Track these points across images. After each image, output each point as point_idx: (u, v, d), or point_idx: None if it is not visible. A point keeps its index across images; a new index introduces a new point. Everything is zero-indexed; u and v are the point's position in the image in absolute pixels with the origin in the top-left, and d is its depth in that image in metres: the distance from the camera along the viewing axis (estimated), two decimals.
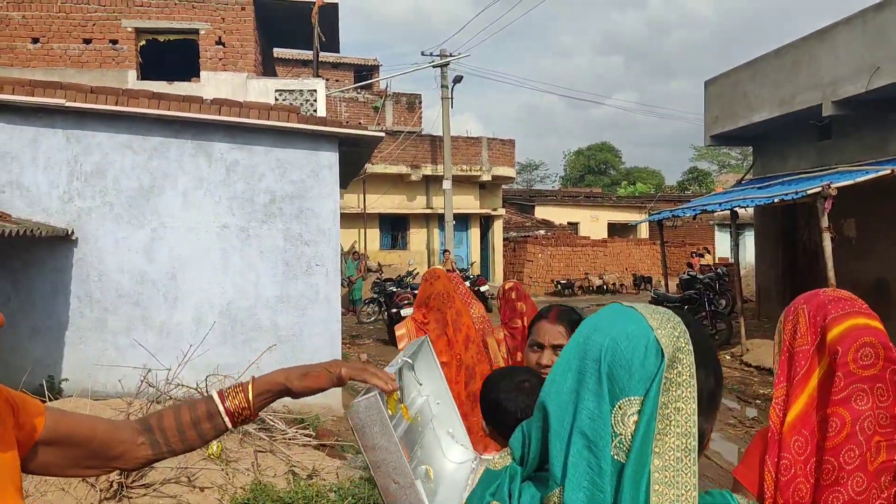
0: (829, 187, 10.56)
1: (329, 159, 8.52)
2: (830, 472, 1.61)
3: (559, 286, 28.45)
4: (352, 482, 5.73)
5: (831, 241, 10.69)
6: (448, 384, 5.28)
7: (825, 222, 10.67)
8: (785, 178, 14.37)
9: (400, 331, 5.51)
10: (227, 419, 1.60)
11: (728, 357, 13.59)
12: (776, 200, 11.72)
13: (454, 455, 1.72)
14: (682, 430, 1.08)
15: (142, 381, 6.38)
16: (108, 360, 8.02)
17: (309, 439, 6.94)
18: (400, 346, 5.60)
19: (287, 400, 6.78)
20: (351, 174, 13.05)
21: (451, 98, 25.23)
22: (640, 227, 38.65)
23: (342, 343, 15.44)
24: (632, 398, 1.08)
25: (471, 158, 27.40)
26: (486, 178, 27.65)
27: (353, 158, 10.42)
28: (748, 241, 37.39)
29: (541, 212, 36.92)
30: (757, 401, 10.21)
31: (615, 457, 1.07)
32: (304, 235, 8.39)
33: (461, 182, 26.87)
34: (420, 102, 28.89)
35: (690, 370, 1.09)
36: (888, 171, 11.14)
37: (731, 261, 18.28)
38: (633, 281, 30.35)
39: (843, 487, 1.58)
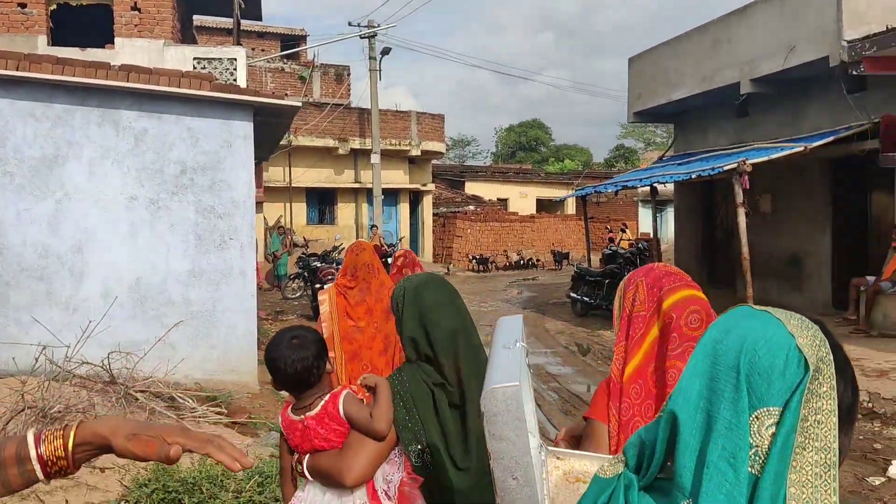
0: (745, 164, 10.77)
1: (243, 129, 8.27)
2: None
3: (474, 261, 28.57)
4: (261, 460, 5.60)
5: (746, 217, 10.93)
6: (361, 349, 5.38)
7: (740, 198, 10.89)
8: (704, 155, 14.64)
9: (322, 296, 5.69)
10: (38, 467, 1.32)
11: None
12: (693, 176, 11.93)
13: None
14: (821, 444, 1.04)
15: (36, 359, 6.11)
16: (10, 336, 7.67)
17: (220, 417, 6.78)
18: (322, 310, 5.64)
19: (199, 376, 6.58)
20: (271, 146, 12.76)
21: (380, 70, 24.94)
22: (567, 203, 39.10)
23: (266, 319, 15.22)
24: (769, 409, 1.04)
25: (400, 132, 27.19)
26: (415, 152, 27.49)
27: (272, 129, 10.18)
28: (669, 216, 38.33)
29: (471, 187, 36.98)
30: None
31: (750, 470, 1.04)
32: (218, 208, 8.15)
33: (390, 156, 26.66)
34: (349, 74, 28.51)
35: (831, 381, 1.05)
36: (801, 148, 11.42)
37: (652, 236, 18.61)
38: (553, 257, 30.59)
39: None
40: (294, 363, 2.44)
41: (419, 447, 2.45)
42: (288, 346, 2.47)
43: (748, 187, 10.84)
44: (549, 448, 1.67)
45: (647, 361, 2.00)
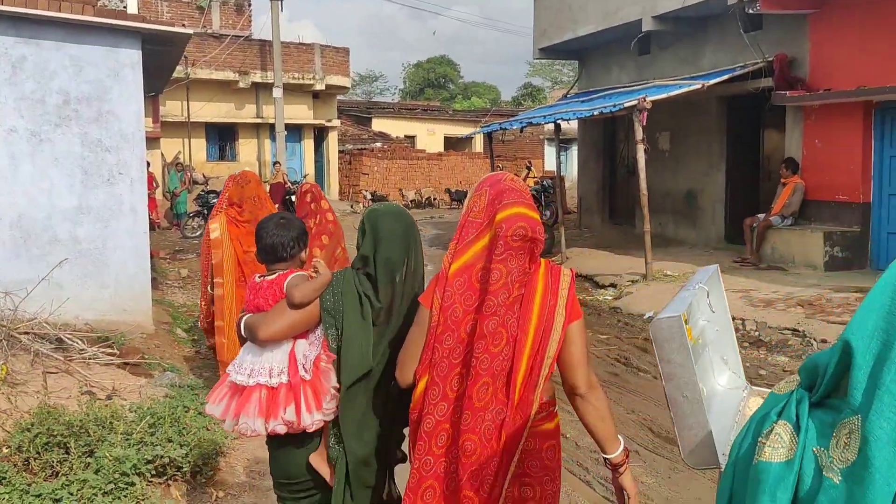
0: (645, 101, 10.91)
1: (131, 57, 7.81)
2: (491, 306, 2.31)
3: (372, 199, 27.84)
4: (154, 401, 5.45)
5: (645, 154, 11.12)
6: (253, 274, 5.49)
7: (640, 134, 11.06)
8: (607, 92, 14.78)
9: (213, 223, 5.84)
10: None
11: None
12: (595, 113, 12.03)
13: (723, 380, 1.91)
14: None
15: None
16: None
17: (112, 358, 6.55)
18: (213, 237, 5.80)
19: (90, 317, 6.35)
20: (164, 77, 12.20)
21: (281, 1, 24.06)
22: (475, 141, 39.19)
23: (165, 259, 14.75)
24: None
25: (303, 66, 26.46)
26: (319, 87, 26.84)
27: (164, 59, 9.69)
28: (573, 155, 38.85)
29: (378, 124, 36.48)
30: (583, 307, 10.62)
31: None
32: (105, 141, 7.72)
33: (293, 91, 25.95)
34: (249, 4, 27.39)
35: None
36: (699, 86, 11.64)
37: (557, 174, 18.80)
38: (450, 196, 30.17)
39: (496, 316, 2.30)
40: (272, 236, 2.98)
41: (335, 332, 2.74)
42: (274, 223, 3.03)
43: (646, 124, 11.00)
44: (753, 388, 1.92)
45: (476, 261, 2.36)
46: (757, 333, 8.27)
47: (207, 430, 5.17)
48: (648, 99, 10.94)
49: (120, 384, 5.96)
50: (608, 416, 2.37)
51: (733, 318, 8.94)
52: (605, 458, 2.39)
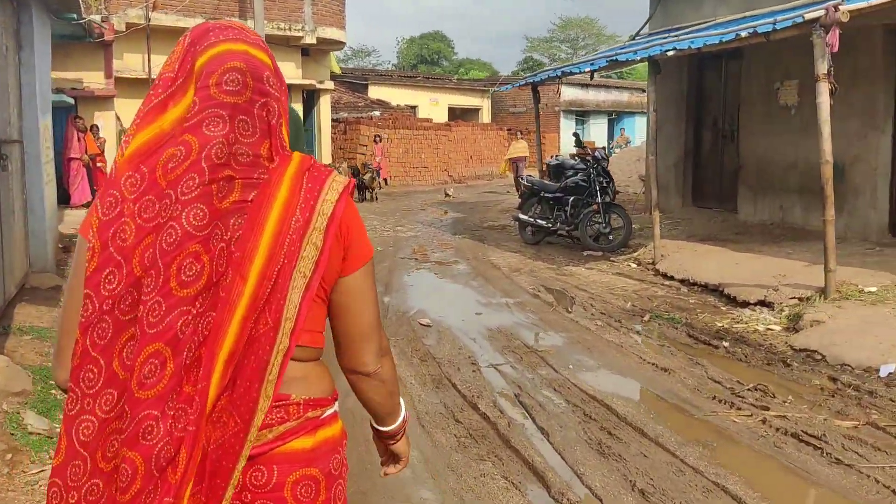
0: (836, 10, 6.77)
1: None
2: (167, 209, 1.30)
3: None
4: None
5: (831, 95, 7.00)
6: None
7: (823, 67, 6.94)
8: (706, 23, 10.62)
9: None
10: None
11: (634, 265, 9.97)
12: (744, 34, 7.72)
13: None
14: None
15: None
16: None
17: None
18: None
19: None
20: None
21: None
22: (482, 112, 35.58)
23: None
24: None
25: (291, 14, 22.12)
26: (309, 40, 22.51)
27: None
28: (592, 129, 35.05)
29: (375, 92, 32.32)
30: (724, 342, 6.50)
31: None
32: None
33: (278, 44, 21.63)
34: None
35: None
36: None
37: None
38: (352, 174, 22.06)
39: (176, 222, 1.28)
40: None
41: None
42: None
43: (836, 49, 6.89)
44: None
45: (159, 144, 1.33)
46: None
47: None
48: (845, 7, 6.80)
49: None
50: (396, 387, 1.56)
51: None
52: (377, 429, 1.61)
